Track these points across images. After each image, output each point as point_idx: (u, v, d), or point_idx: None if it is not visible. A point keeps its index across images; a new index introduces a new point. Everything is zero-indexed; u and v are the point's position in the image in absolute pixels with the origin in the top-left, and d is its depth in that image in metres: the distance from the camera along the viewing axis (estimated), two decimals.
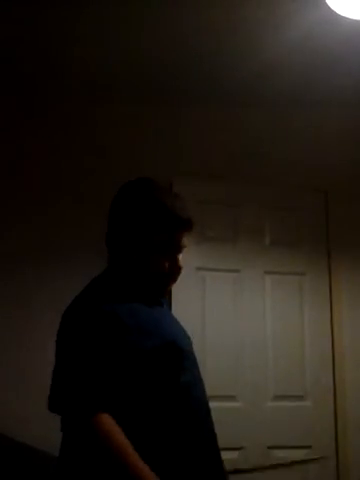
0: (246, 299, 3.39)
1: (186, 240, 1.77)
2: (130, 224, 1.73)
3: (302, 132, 3.62)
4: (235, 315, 3.36)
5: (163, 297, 1.84)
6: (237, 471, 2.06)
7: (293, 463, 2.07)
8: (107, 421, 1.51)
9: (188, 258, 3.26)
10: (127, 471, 1.48)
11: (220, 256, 3.40)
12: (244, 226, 3.46)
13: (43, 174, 3.34)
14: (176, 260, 1.75)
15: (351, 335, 3.48)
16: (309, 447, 3.31)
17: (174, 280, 1.78)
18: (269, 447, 3.26)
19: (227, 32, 2.87)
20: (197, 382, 1.74)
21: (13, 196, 3.29)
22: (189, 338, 1.82)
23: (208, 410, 1.75)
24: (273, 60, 3.05)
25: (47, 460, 2.56)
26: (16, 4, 2.66)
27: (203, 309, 3.31)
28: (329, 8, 2.58)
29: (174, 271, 1.75)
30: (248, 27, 2.82)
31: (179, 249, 1.76)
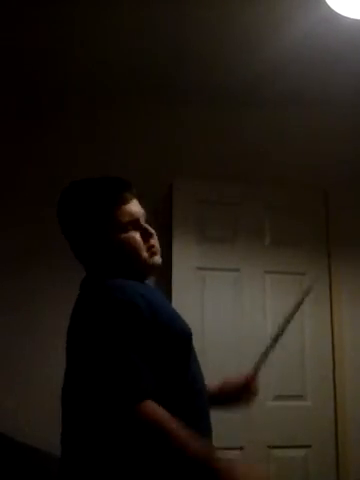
0: (246, 299, 3.39)
1: (137, 206, 1.76)
2: (81, 226, 1.73)
3: (302, 132, 3.63)
4: (235, 314, 3.36)
5: (152, 272, 1.80)
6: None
7: None
8: (156, 406, 1.47)
9: (188, 258, 3.30)
10: (190, 456, 1.45)
11: (220, 256, 3.39)
12: (244, 226, 3.46)
13: (42, 174, 3.34)
14: (142, 228, 1.74)
15: (351, 335, 3.48)
16: (309, 446, 3.31)
17: (154, 249, 1.76)
18: (269, 447, 3.26)
19: (227, 32, 2.87)
20: (200, 370, 1.74)
21: (13, 197, 3.29)
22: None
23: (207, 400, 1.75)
24: (273, 60, 3.05)
25: (48, 460, 2.56)
26: (16, 4, 2.66)
27: (203, 309, 3.31)
28: (329, 7, 2.59)
29: (147, 238, 1.74)
30: (248, 27, 2.83)
31: (137, 218, 1.74)
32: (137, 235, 1.73)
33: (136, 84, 3.33)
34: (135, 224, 1.73)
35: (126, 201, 1.74)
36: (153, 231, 1.77)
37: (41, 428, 2.91)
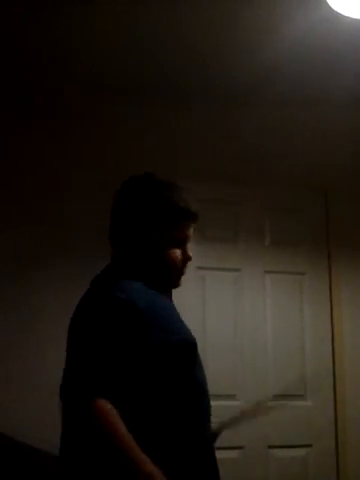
0: (246, 298, 3.39)
1: (191, 231, 1.83)
2: (138, 219, 1.75)
3: (302, 132, 3.62)
4: (235, 314, 3.37)
5: (173, 288, 1.85)
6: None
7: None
8: (106, 406, 1.49)
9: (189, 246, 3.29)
10: (125, 458, 1.46)
11: (220, 255, 3.40)
12: (244, 226, 3.46)
13: (42, 175, 3.34)
14: (186, 251, 1.80)
15: (351, 335, 3.48)
16: (309, 446, 3.32)
17: (184, 271, 1.82)
18: (269, 446, 3.27)
19: (227, 32, 2.87)
20: (205, 378, 1.75)
21: (13, 197, 3.29)
22: None
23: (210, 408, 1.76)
24: (273, 59, 3.04)
25: (47, 460, 2.56)
26: (16, 3, 2.66)
27: (203, 308, 3.31)
28: (330, 7, 2.58)
29: (184, 262, 1.80)
30: (248, 26, 2.83)
31: (187, 240, 1.81)
32: (179, 255, 1.78)
33: (136, 84, 3.33)
34: (182, 244, 1.79)
35: (190, 223, 1.80)
36: (191, 257, 1.82)
37: (41, 428, 2.91)
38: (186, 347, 1.68)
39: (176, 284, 1.83)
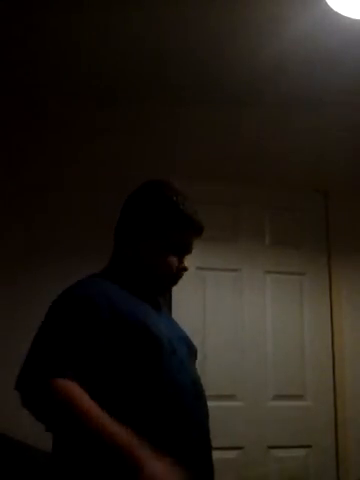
0: (246, 299, 3.39)
1: (192, 244, 1.83)
2: (145, 222, 1.77)
3: (302, 132, 3.62)
4: (235, 315, 3.36)
5: (162, 296, 1.85)
6: None
7: None
8: (68, 386, 1.47)
9: (188, 258, 3.29)
10: (97, 437, 1.45)
11: (220, 256, 3.40)
12: (244, 226, 3.46)
13: (42, 175, 3.34)
14: (182, 260, 1.80)
15: (351, 335, 3.48)
16: (309, 447, 3.31)
17: (177, 281, 1.82)
18: (269, 447, 3.26)
19: (227, 32, 2.87)
20: (193, 382, 1.70)
21: (14, 198, 3.29)
22: (188, 345, 1.80)
23: (199, 400, 1.70)
24: (273, 60, 3.05)
25: (47, 459, 2.55)
26: (16, 5, 2.66)
27: (203, 309, 3.31)
28: (329, 7, 2.59)
29: (179, 271, 1.79)
30: (248, 27, 2.83)
31: (188, 251, 1.81)
32: (176, 263, 1.78)
33: (135, 84, 3.33)
34: (181, 254, 1.79)
35: (193, 233, 1.82)
36: (187, 268, 1.82)
37: (41, 428, 2.90)
38: (142, 331, 1.63)
39: (164, 292, 1.84)
